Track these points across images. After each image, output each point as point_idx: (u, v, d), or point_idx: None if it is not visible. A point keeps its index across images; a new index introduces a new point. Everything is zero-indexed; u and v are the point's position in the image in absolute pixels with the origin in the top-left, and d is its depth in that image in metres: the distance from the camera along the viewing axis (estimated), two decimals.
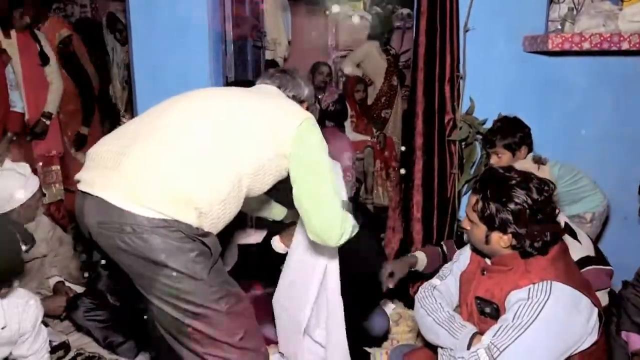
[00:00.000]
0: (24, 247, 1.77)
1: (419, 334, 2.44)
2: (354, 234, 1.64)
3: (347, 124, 4.58)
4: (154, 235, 1.39)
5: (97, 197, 1.42)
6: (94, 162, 1.52)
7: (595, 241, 2.29)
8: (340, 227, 1.59)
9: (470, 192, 2.76)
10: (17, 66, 3.14)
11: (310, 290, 1.99)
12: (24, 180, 2.33)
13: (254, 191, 1.59)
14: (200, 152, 1.47)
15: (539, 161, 2.25)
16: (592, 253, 1.92)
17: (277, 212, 2.23)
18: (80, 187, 1.50)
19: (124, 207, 1.39)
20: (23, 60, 3.18)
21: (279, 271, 2.70)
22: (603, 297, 1.88)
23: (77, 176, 1.53)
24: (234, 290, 1.55)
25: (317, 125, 1.63)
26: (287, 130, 1.55)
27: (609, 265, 1.94)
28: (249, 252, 2.72)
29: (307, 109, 1.81)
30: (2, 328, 1.69)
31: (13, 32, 3.14)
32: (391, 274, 2.12)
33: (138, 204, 1.39)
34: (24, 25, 3.18)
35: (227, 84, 3.12)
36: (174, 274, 1.41)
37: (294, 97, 1.81)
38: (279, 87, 1.80)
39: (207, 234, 1.49)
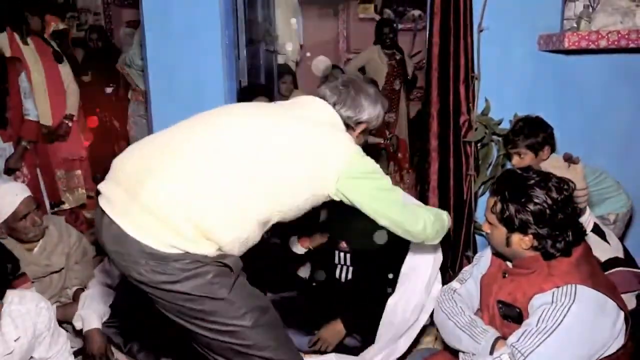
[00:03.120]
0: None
1: (437, 338, 2.42)
2: (447, 225, 1.77)
3: None
4: (170, 267, 1.37)
5: (114, 222, 1.40)
6: (116, 176, 1.48)
7: None
8: (425, 230, 1.66)
9: (487, 193, 2.74)
10: (39, 72, 3.19)
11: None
12: None
13: (281, 221, 1.56)
14: (231, 188, 1.41)
15: (569, 160, 2.21)
16: (621, 255, 1.89)
17: None
18: (101, 203, 1.47)
19: (140, 240, 1.37)
20: (45, 65, 3.22)
21: (295, 275, 2.70)
22: (630, 300, 1.84)
23: (100, 187, 1.50)
24: (258, 303, 1.53)
25: (360, 157, 1.55)
26: (328, 174, 1.50)
27: (638, 267, 1.90)
28: (263, 259, 2.71)
29: (366, 129, 1.73)
30: (16, 340, 1.69)
31: (29, 39, 3.18)
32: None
33: (155, 239, 1.37)
34: (40, 27, 3.22)
35: (240, 87, 3.13)
36: (194, 297, 1.40)
37: (348, 118, 1.67)
38: (335, 104, 1.66)
39: (224, 256, 1.45)
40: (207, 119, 1.55)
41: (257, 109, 1.65)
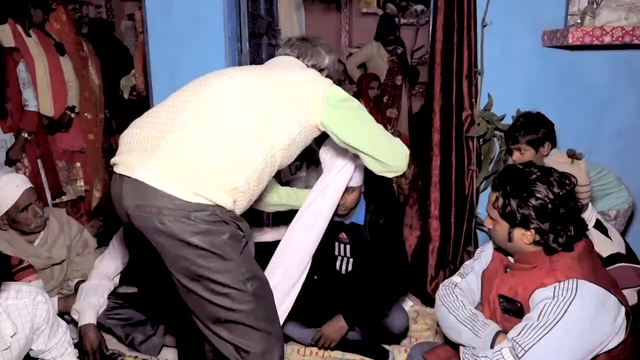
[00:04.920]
0: None
1: (437, 332, 2.43)
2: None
3: None
4: (189, 219, 1.44)
5: (135, 179, 1.46)
6: (129, 145, 1.55)
7: None
8: (400, 152, 1.74)
9: (489, 189, 2.74)
10: (43, 63, 3.18)
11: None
12: None
13: (284, 163, 1.67)
14: (236, 133, 1.51)
15: (573, 155, 2.22)
16: (623, 250, 1.89)
17: (304, 199, 2.14)
18: (118, 170, 1.53)
19: (162, 189, 1.43)
20: (48, 57, 3.22)
21: None
22: (632, 296, 1.84)
23: (114, 160, 1.57)
24: (260, 274, 1.61)
25: (339, 88, 1.66)
26: (312, 103, 1.60)
27: (639, 263, 1.90)
28: (265, 251, 2.72)
29: (329, 77, 1.83)
30: (13, 335, 1.68)
31: (32, 31, 3.18)
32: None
33: (177, 187, 1.43)
34: (42, 19, 3.21)
35: None
36: (206, 253, 1.47)
37: (313, 67, 1.81)
38: (298, 57, 1.82)
39: (241, 219, 1.56)
40: (202, 82, 1.65)
41: (245, 68, 1.83)
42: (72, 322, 2.34)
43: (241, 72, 1.71)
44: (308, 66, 1.81)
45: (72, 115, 3.47)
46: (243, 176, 1.51)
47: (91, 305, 2.27)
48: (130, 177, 1.47)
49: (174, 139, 1.48)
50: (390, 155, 1.71)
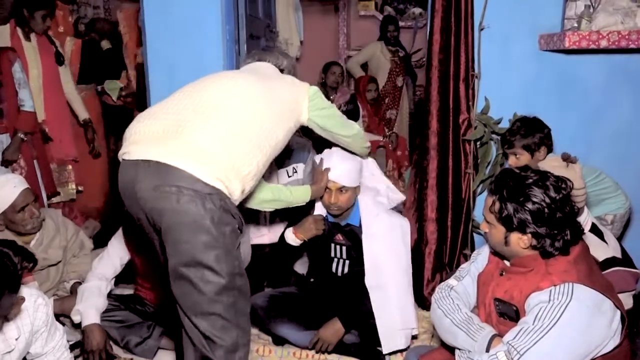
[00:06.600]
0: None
1: (433, 335, 2.43)
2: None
3: (359, 123, 4.57)
4: (205, 201, 1.53)
5: (156, 162, 1.54)
6: (142, 135, 1.62)
7: None
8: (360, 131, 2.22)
9: (485, 192, 2.75)
10: (37, 68, 3.15)
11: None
12: None
13: (279, 151, 1.83)
14: (248, 129, 1.67)
15: (567, 159, 2.22)
16: (618, 254, 1.90)
17: (299, 194, 2.17)
18: (132, 156, 1.60)
19: (185, 169, 1.52)
20: (44, 62, 3.19)
21: (292, 269, 2.72)
22: (627, 300, 1.85)
23: (123, 149, 1.64)
24: (244, 273, 1.68)
25: (313, 89, 1.95)
26: (300, 104, 1.87)
27: (635, 267, 1.91)
28: (262, 253, 2.72)
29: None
30: (17, 339, 1.68)
31: (33, 35, 3.16)
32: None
33: (200, 169, 1.53)
34: (45, 28, 3.19)
35: None
36: (210, 241, 1.54)
37: (274, 66, 2.07)
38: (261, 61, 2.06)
39: (241, 215, 1.66)
40: (205, 82, 1.79)
41: (236, 72, 2.06)
42: (71, 324, 2.34)
43: (238, 75, 1.89)
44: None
45: (92, 124, 3.51)
46: (255, 160, 1.66)
47: (94, 305, 2.27)
48: (149, 161, 1.54)
49: (196, 127, 1.59)
50: (354, 130, 2.14)
